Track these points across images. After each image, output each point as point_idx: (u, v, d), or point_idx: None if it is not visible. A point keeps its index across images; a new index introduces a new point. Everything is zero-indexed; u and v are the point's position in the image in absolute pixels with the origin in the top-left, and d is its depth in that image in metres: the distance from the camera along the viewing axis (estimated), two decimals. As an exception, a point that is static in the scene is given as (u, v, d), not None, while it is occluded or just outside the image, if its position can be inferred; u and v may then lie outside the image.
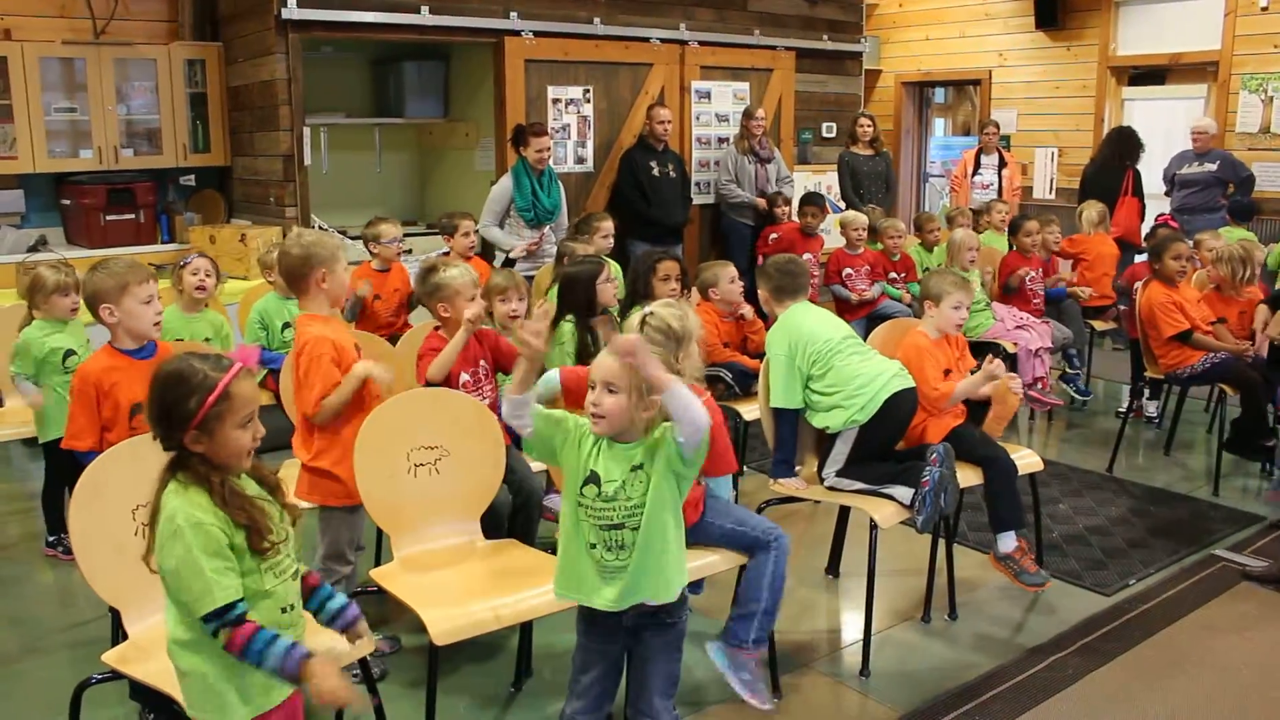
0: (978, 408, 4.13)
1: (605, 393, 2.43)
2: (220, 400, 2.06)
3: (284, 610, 2.19)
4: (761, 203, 7.75)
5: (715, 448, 3.12)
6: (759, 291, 4.12)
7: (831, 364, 3.81)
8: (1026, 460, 4.11)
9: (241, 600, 2.07)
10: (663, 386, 2.33)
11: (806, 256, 6.91)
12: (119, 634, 2.88)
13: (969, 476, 3.91)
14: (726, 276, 4.91)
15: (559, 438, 2.53)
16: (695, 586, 3.29)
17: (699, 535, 3.18)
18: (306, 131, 6.72)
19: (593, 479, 2.46)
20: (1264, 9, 8.68)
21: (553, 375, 3.36)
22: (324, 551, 3.38)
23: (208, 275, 4.79)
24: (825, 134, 9.20)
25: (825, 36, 8.95)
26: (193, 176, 7.48)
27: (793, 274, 4.04)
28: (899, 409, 3.79)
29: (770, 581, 3.17)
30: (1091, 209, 7.21)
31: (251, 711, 2.16)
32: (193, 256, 4.87)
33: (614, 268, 4.98)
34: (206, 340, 4.74)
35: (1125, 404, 6.21)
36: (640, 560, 2.44)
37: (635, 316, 3.09)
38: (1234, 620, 3.93)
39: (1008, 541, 3.91)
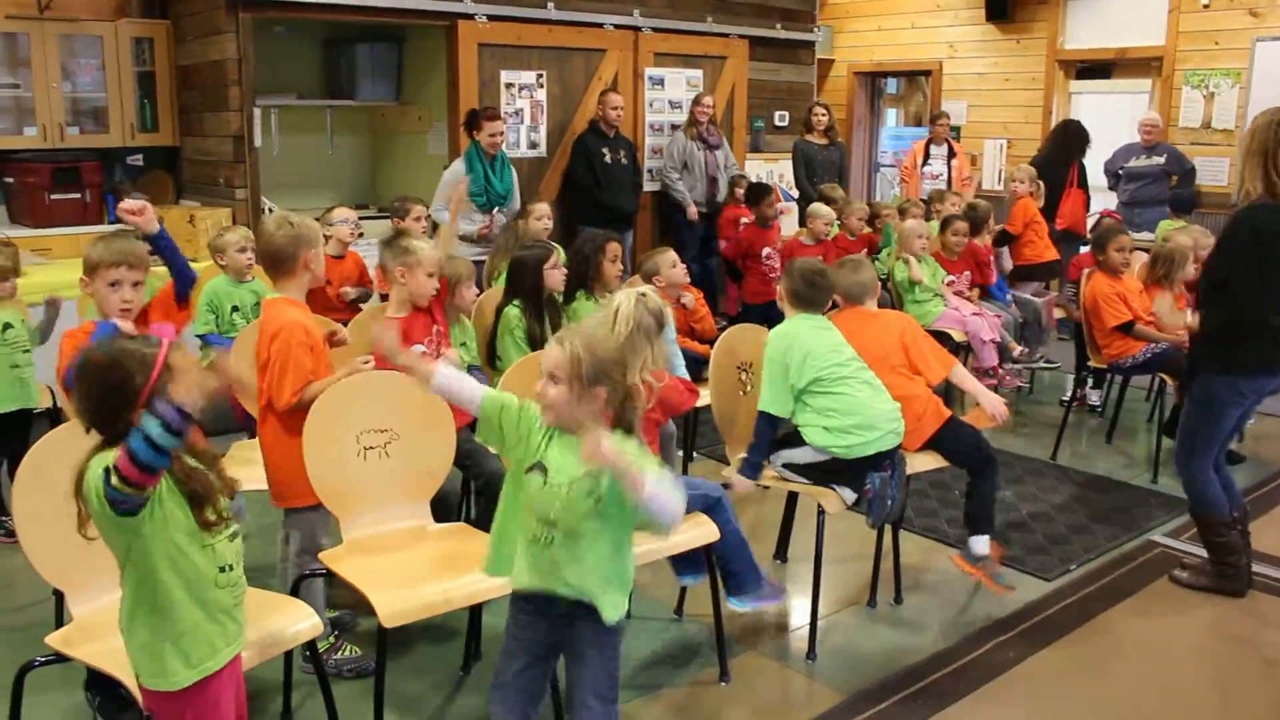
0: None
1: (550, 383, 2.39)
2: (164, 373, 2.12)
3: (222, 569, 2.23)
4: (692, 212, 7.73)
5: (676, 397, 3.37)
6: (778, 286, 3.99)
7: (837, 390, 3.69)
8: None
9: None
10: (639, 490, 2.20)
11: (766, 251, 6.88)
12: (63, 617, 2.86)
13: (926, 462, 3.94)
14: (667, 262, 4.82)
15: (506, 424, 2.49)
16: (696, 570, 3.51)
17: None
18: (257, 113, 6.64)
19: (539, 468, 2.43)
20: (1205, 6, 8.83)
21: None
22: (298, 548, 3.33)
23: None
24: (778, 123, 9.23)
25: (778, 25, 8.97)
26: (140, 156, 7.37)
27: (816, 286, 3.86)
28: (878, 457, 3.69)
29: (738, 535, 3.46)
30: (1021, 172, 7.44)
31: (195, 675, 2.20)
32: None
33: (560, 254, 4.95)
34: None
35: (1069, 393, 6.31)
36: (570, 552, 2.38)
37: (622, 295, 3.16)
38: (1170, 605, 4.03)
39: (981, 544, 3.93)
